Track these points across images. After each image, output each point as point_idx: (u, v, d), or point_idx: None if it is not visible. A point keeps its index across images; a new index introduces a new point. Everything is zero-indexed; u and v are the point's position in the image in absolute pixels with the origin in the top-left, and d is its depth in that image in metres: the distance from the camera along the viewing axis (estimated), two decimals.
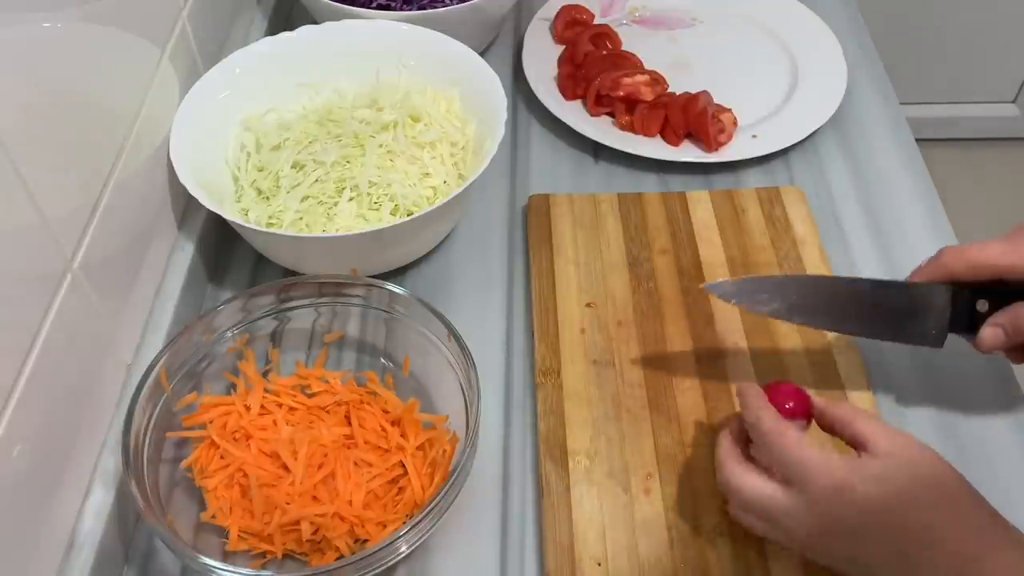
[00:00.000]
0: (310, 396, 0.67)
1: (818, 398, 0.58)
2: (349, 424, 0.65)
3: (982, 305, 0.59)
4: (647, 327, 0.72)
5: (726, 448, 0.58)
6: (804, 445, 0.53)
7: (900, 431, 0.54)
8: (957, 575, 0.48)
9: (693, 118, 0.86)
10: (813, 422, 0.59)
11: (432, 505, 0.55)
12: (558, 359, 0.70)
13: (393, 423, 0.65)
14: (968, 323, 0.59)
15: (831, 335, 0.71)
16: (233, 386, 0.66)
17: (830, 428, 0.57)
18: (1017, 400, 0.69)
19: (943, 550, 0.49)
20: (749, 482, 0.55)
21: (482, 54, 0.84)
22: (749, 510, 0.55)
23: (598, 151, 0.89)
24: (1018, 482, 0.65)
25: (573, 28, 0.99)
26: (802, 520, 0.52)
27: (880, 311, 0.61)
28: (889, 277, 0.74)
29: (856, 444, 0.55)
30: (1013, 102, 2.10)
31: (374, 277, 0.68)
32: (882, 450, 0.52)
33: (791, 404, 0.57)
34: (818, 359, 0.70)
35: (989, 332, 0.58)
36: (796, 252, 0.77)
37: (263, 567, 0.60)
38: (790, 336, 0.72)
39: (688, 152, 0.87)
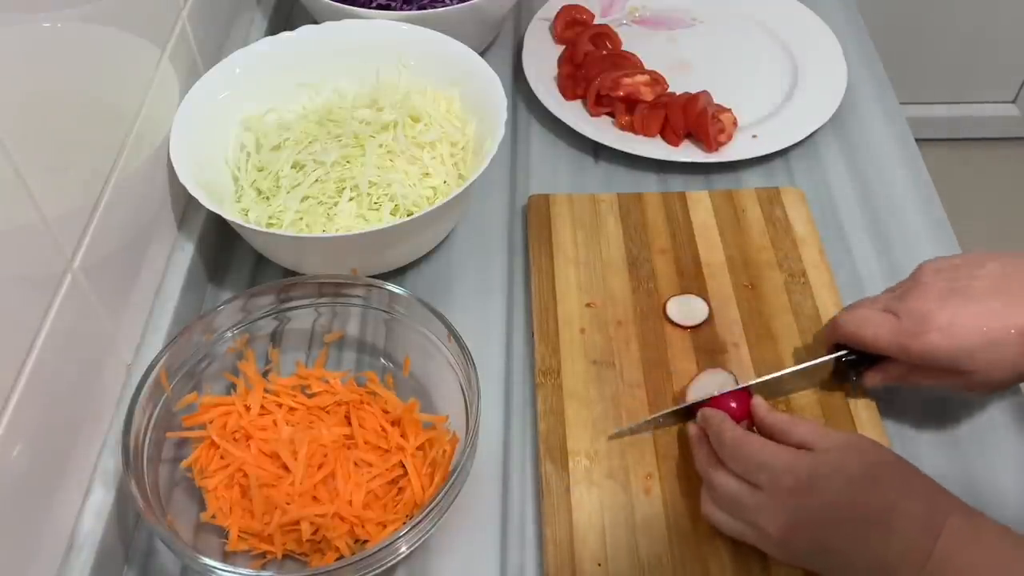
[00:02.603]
0: (310, 396, 0.67)
1: (760, 402, 0.63)
2: (349, 424, 0.65)
3: (852, 359, 0.66)
4: (647, 327, 0.72)
5: (703, 449, 0.61)
6: (766, 448, 0.57)
7: (835, 430, 0.60)
8: (913, 544, 0.52)
9: (693, 118, 0.86)
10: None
11: (432, 505, 0.55)
12: (558, 359, 0.70)
13: (393, 423, 0.65)
14: (849, 375, 0.67)
15: None
16: (233, 386, 0.66)
17: (770, 435, 0.60)
18: (1018, 400, 0.69)
19: (900, 524, 0.53)
20: (725, 480, 0.58)
21: (482, 54, 0.84)
22: (724, 507, 0.58)
23: (598, 151, 0.89)
24: (1018, 481, 0.65)
25: (573, 28, 0.99)
26: (773, 518, 0.55)
27: (777, 389, 0.69)
28: (887, 279, 0.75)
29: (801, 447, 0.58)
30: (1013, 102, 2.10)
31: (374, 277, 0.68)
32: (830, 445, 0.57)
33: (735, 404, 0.63)
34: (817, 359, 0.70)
35: (875, 379, 0.66)
36: (796, 252, 0.77)
37: (263, 567, 0.60)
38: (789, 336, 0.72)
39: (688, 152, 0.86)
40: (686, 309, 0.74)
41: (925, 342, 0.60)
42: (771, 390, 0.67)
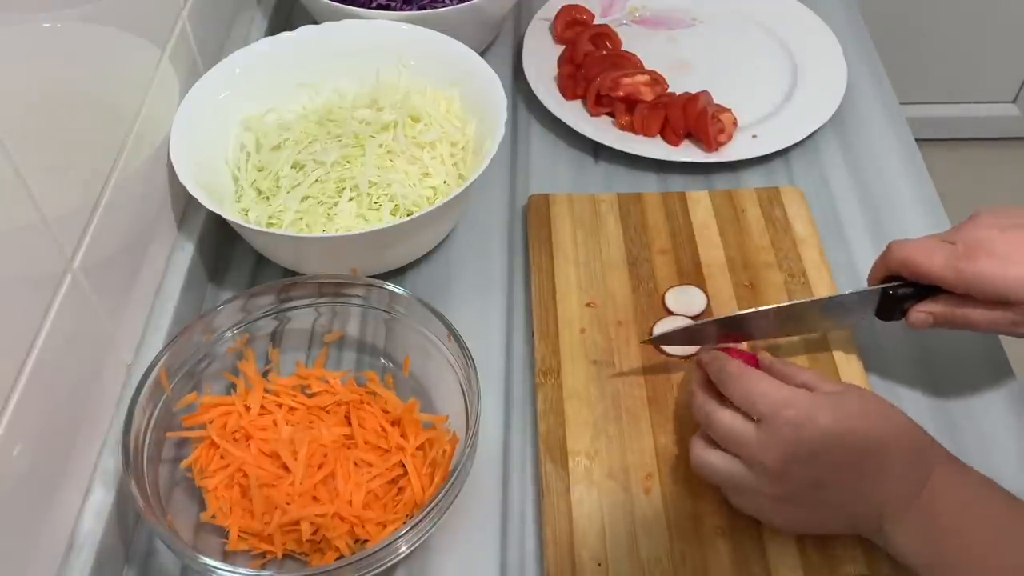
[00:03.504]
0: (310, 396, 0.67)
1: (766, 355, 0.64)
2: (349, 424, 0.65)
3: (898, 291, 0.64)
4: (647, 327, 0.72)
5: (702, 391, 0.62)
6: (767, 382, 0.58)
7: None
8: (903, 483, 0.55)
9: (693, 118, 0.86)
10: None
11: (432, 505, 0.55)
12: (558, 359, 0.70)
13: (393, 423, 0.65)
14: (896, 310, 0.65)
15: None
16: (233, 386, 0.66)
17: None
18: (1013, 387, 0.70)
19: (891, 462, 0.55)
20: (725, 414, 0.59)
21: (482, 54, 0.84)
22: (721, 444, 0.59)
23: (598, 151, 0.89)
24: (1015, 469, 0.65)
25: (573, 28, 0.99)
26: (769, 449, 0.56)
27: (811, 319, 0.68)
28: None
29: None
30: (1013, 102, 2.10)
31: (374, 277, 0.68)
32: (831, 388, 0.58)
33: (740, 356, 0.63)
34: (816, 356, 0.70)
35: (920, 318, 0.64)
36: (796, 252, 0.77)
37: (263, 567, 0.60)
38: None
39: (688, 152, 0.87)
40: (684, 299, 0.74)
41: (979, 266, 0.59)
42: (790, 324, 0.67)
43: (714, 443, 0.59)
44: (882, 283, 0.65)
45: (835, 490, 0.55)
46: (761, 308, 0.66)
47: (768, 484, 0.57)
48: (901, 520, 0.54)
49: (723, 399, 0.60)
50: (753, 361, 0.64)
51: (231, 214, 0.69)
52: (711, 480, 0.60)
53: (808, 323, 0.68)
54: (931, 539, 0.54)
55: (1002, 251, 0.59)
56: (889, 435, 0.55)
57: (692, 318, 0.73)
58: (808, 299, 0.66)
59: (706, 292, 0.75)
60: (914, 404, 0.69)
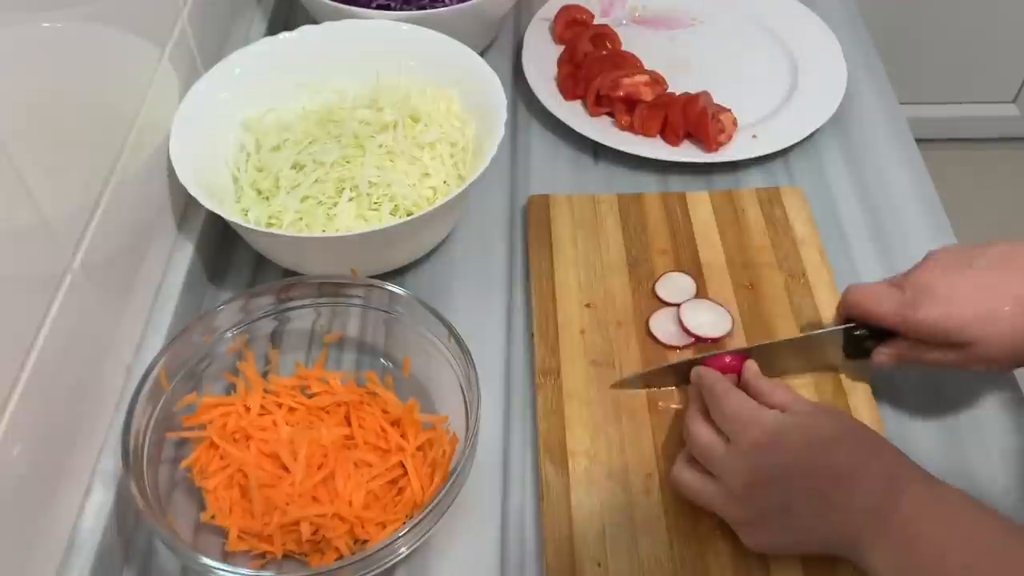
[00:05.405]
0: (310, 396, 0.67)
1: (751, 364, 0.65)
2: (349, 424, 0.65)
3: (861, 332, 0.66)
4: (647, 327, 0.72)
5: (694, 406, 0.63)
6: (742, 403, 0.59)
7: (811, 400, 0.62)
8: (875, 508, 0.53)
9: (693, 118, 0.86)
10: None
11: (432, 505, 0.55)
12: (558, 359, 0.70)
13: (393, 423, 0.65)
14: (860, 349, 0.67)
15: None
16: (233, 386, 0.66)
17: (755, 398, 0.62)
18: (1018, 401, 0.70)
19: (860, 487, 0.54)
20: (702, 430, 0.60)
21: (482, 54, 0.84)
22: (696, 455, 0.60)
23: (598, 151, 0.89)
24: (1018, 482, 0.65)
25: (573, 28, 0.99)
26: (737, 471, 0.56)
27: (785, 359, 0.69)
28: (887, 276, 0.74)
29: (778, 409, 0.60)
30: (1013, 102, 2.09)
31: (374, 277, 0.68)
32: (802, 409, 0.59)
33: (729, 359, 0.66)
34: (821, 376, 0.70)
35: (882, 360, 0.65)
36: (796, 252, 0.77)
37: (263, 567, 0.60)
38: (789, 335, 0.72)
39: (688, 152, 0.86)
40: (671, 286, 0.75)
41: (924, 313, 0.60)
42: (772, 362, 0.67)
43: (695, 461, 0.60)
44: (844, 324, 0.67)
45: (802, 515, 0.55)
46: (728, 351, 0.67)
47: (734, 506, 0.57)
48: (875, 546, 0.53)
49: (709, 415, 0.61)
50: (739, 362, 0.65)
51: (231, 214, 0.69)
52: (687, 498, 0.61)
53: (780, 364, 0.69)
54: (910, 565, 0.52)
55: (944, 295, 0.60)
56: (859, 455, 0.55)
57: (678, 304, 0.73)
58: (776, 339, 0.68)
59: (707, 292, 0.75)
60: (920, 419, 0.69)
